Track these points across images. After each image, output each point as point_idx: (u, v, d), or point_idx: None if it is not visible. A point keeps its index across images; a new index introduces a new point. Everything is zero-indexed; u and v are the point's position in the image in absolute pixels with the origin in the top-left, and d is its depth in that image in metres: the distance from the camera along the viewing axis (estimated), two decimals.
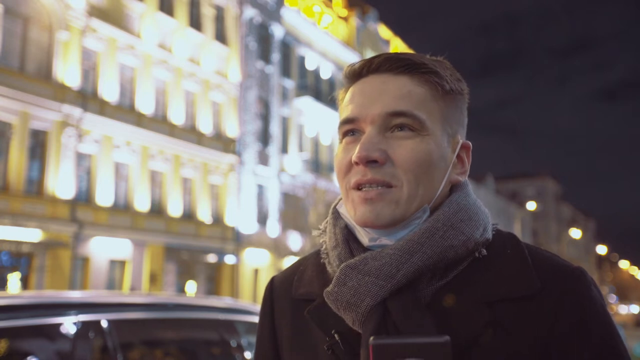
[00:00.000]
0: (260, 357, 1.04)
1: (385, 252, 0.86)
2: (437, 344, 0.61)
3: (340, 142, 0.94)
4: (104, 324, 2.60)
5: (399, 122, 0.88)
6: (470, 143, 0.96)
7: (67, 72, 19.52)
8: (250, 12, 27.69)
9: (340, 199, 1.02)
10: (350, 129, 0.92)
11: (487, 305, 0.83)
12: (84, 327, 2.50)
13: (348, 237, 0.93)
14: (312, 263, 1.01)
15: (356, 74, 0.94)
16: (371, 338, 0.67)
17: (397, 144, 0.88)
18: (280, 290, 1.04)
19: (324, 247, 0.97)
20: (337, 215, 0.97)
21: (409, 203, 0.87)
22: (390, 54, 0.93)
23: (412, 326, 0.80)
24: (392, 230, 0.88)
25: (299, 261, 1.07)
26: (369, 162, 0.86)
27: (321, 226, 1.00)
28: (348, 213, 0.92)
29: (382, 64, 0.92)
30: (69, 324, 2.49)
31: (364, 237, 0.91)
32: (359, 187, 0.88)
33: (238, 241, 25.61)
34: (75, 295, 3.27)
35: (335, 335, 0.87)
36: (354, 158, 0.87)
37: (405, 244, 0.85)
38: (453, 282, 0.87)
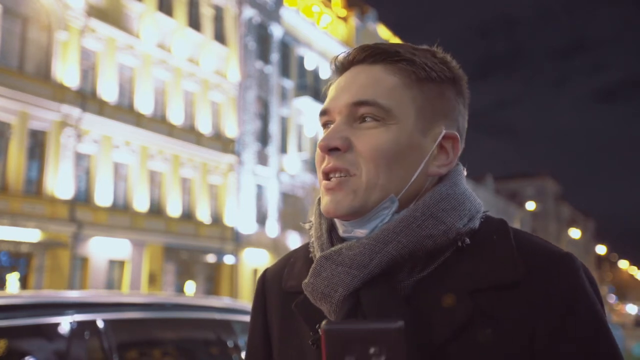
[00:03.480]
0: (252, 349, 1.03)
1: (360, 242, 0.84)
2: (391, 330, 0.59)
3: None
4: (100, 323, 2.59)
5: (363, 112, 0.87)
6: (456, 134, 0.90)
7: (66, 72, 19.50)
8: (249, 12, 27.68)
9: None
10: (325, 121, 0.93)
11: (470, 294, 0.80)
12: (79, 327, 2.49)
13: (330, 228, 0.92)
14: (301, 255, 1.00)
15: (338, 69, 0.95)
16: (323, 323, 0.65)
17: (361, 133, 0.87)
18: (271, 283, 1.03)
19: (312, 239, 0.96)
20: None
21: (367, 192, 0.85)
22: (367, 45, 0.92)
23: (382, 317, 0.78)
24: (360, 221, 0.87)
25: (290, 253, 1.06)
26: (330, 150, 0.87)
27: (311, 218, 0.99)
28: None
29: (356, 56, 0.92)
30: (64, 324, 2.47)
31: (340, 228, 0.91)
32: (326, 176, 0.88)
33: (237, 241, 25.60)
34: (71, 295, 3.26)
35: (319, 330, 0.85)
36: (317, 148, 0.89)
37: (381, 233, 0.83)
38: (434, 272, 0.84)
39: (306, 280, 0.87)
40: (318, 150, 0.91)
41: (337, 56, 0.95)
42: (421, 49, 0.91)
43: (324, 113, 0.93)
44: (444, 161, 0.90)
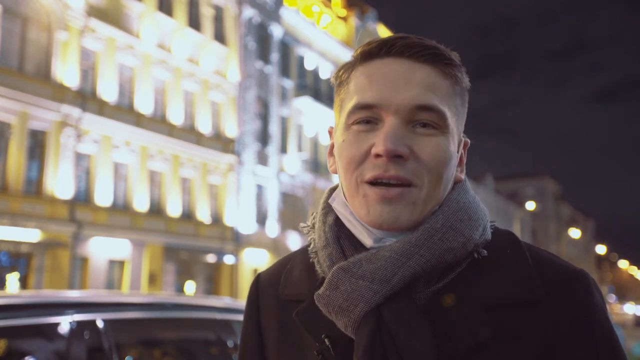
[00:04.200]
0: (244, 356, 0.99)
1: (380, 254, 0.80)
2: None
3: (347, 127, 0.85)
4: (100, 323, 2.58)
5: (424, 117, 0.82)
6: (469, 140, 0.93)
7: (66, 72, 19.49)
8: (249, 12, 27.67)
9: (332, 190, 0.96)
10: (366, 115, 0.83)
11: (487, 309, 0.79)
12: (79, 326, 2.49)
13: (339, 235, 0.87)
14: (299, 261, 0.96)
15: (371, 54, 0.85)
16: None
17: (421, 139, 0.81)
18: (266, 289, 0.99)
19: (312, 245, 0.92)
20: (327, 210, 0.91)
21: (425, 205, 0.82)
22: (412, 38, 0.85)
23: (406, 334, 0.76)
24: (404, 232, 0.82)
25: (285, 258, 1.01)
26: (394, 156, 0.80)
27: (309, 222, 0.96)
28: (355, 210, 0.84)
29: (406, 49, 0.83)
30: (64, 324, 2.47)
31: (367, 237, 0.84)
32: (374, 181, 0.81)
33: (237, 241, 25.59)
34: (71, 295, 3.26)
35: (326, 340, 0.83)
36: (377, 150, 0.80)
37: (402, 246, 0.80)
38: (451, 285, 0.82)
39: (320, 292, 0.82)
40: (354, 148, 0.83)
41: (370, 42, 0.86)
42: (454, 53, 0.87)
43: (367, 107, 0.83)
44: (461, 166, 0.91)
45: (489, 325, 0.78)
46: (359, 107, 0.83)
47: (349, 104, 0.85)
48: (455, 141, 0.86)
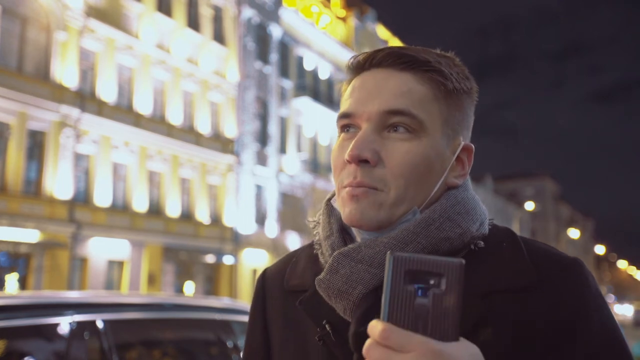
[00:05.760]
0: (250, 351, 1.02)
1: (379, 240, 0.84)
2: (453, 264, 0.62)
3: (339, 136, 0.91)
4: (100, 324, 2.59)
5: (395, 121, 0.84)
6: (472, 145, 0.92)
7: (65, 73, 19.49)
8: (248, 13, 27.68)
9: (334, 194, 0.99)
10: (346, 124, 0.89)
11: (482, 297, 0.81)
12: (79, 327, 2.49)
13: (343, 229, 0.92)
14: (305, 254, 0.99)
15: (360, 67, 0.91)
16: (389, 252, 0.67)
17: (391, 145, 0.84)
18: (272, 283, 1.02)
19: (317, 237, 0.96)
20: (331, 207, 0.96)
21: (394, 207, 0.84)
22: (394, 48, 0.89)
23: None
24: (380, 232, 0.86)
25: (291, 253, 1.05)
26: (360, 161, 0.84)
27: (315, 217, 0.99)
28: (340, 211, 0.90)
29: (384, 59, 0.88)
30: (64, 324, 2.47)
31: (357, 235, 0.90)
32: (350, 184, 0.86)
33: (236, 241, 25.59)
34: (70, 295, 3.26)
35: (327, 326, 0.86)
36: (345, 156, 0.84)
37: (400, 233, 0.83)
38: None
39: (321, 277, 0.86)
40: (337, 156, 0.88)
41: (358, 55, 0.92)
42: (444, 57, 0.90)
43: (347, 116, 0.88)
44: (460, 172, 0.91)
45: (483, 311, 0.80)
46: (341, 116, 0.89)
47: (338, 114, 0.91)
48: (439, 145, 0.87)
